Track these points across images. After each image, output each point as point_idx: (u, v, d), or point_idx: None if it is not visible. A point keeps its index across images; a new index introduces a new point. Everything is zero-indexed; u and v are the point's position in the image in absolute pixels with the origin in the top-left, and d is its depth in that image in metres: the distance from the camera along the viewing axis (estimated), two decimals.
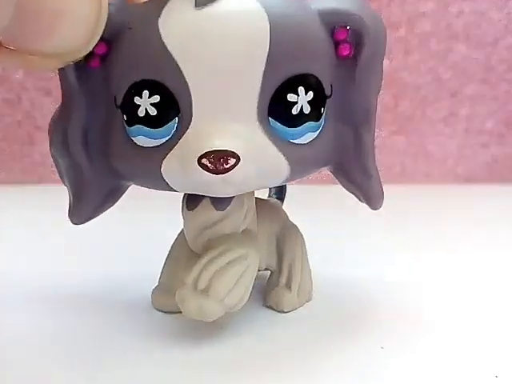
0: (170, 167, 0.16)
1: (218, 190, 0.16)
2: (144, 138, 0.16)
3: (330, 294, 0.24)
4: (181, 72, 0.15)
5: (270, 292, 0.22)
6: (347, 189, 0.20)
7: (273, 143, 0.16)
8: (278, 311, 0.22)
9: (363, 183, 0.19)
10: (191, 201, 0.19)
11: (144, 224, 0.36)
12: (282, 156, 0.16)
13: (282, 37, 0.15)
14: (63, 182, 0.19)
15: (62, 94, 0.18)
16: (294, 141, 0.16)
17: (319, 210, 0.40)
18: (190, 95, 0.15)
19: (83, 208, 0.19)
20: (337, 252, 0.31)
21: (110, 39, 0.16)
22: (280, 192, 0.26)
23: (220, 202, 0.19)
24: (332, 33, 0.17)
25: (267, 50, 0.15)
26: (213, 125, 0.15)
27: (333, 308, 0.22)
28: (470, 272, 0.27)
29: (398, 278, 0.26)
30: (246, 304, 0.19)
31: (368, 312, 0.22)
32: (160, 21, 0.15)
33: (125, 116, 0.17)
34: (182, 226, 0.20)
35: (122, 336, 0.19)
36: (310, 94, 0.16)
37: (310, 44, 0.16)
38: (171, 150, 0.16)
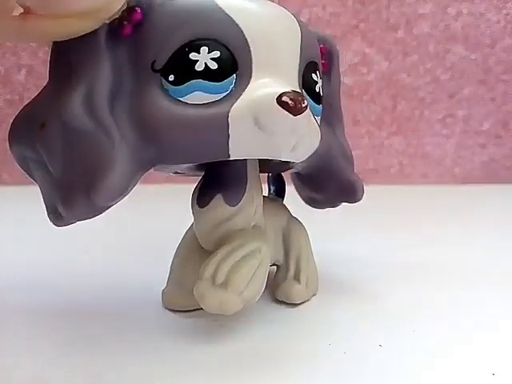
0: (239, 115, 0.16)
1: (286, 137, 0.16)
2: (201, 94, 0.16)
3: (329, 293, 0.24)
4: (243, 35, 0.17)
5: (279, 286, 0.23)
6: (332, 187, 0.22)
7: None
8: (289, 304, 0.22)
9: (348, 173, 0.22)
10: (202, 198, 0.20)
11: (149, 224, 0.36)
12: (316, 127, 0.18)
13: (305, 30, 0.19)
14: (86, 155, 0.16)
15: (77, 66, 0.16)
16: (317, 117, 0.19)
17: (316, 210, 0.40)
18: (251, 55, 0.17)
19: (112, 186, 0.16)
20: (335, 251, 0.31)
21: (147, 7, 0.17)
22: (280, 190, 0.27)
23: (232, 198, 0.19)
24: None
25: (299, 38, 0.18)
26: (276, 81, 0.17)
27: (332, 307, 0.23)
28: (468, 272, 0.28)
29: (396, 278, 0.26)
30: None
31: (367, 311, 0.22)
32: None
33: (172, 76, 0.16)
34: (192, 225, 0.21)
35: (133, 335, 0.20)
36: (320, 81, 0.20)
37: (317, 45, 0.20)
38: (237, 99, 0.16)
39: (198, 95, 0.16)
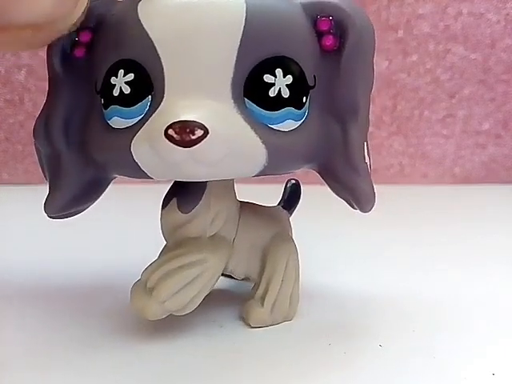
0: (138, 144, 0.15)
1: (186, 170, 0.15)
2: (118, 119, 0.16)
3: (328, 292, 0.24)
4: (155, 49, 0.15)
5: (245, 302, 0.21)
6: (336, 192, 0.19)
7: (248, 124, 0.15)
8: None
9: (351, 182, 0.18)
10: (165, 200, 0.19)
11: (149, 227, 0.36)
12: (258, 139, 0.16)
13: (257, 19, 0.15)
14: (43, 172, 0.19)
15: (48, 84, 0.18)
16: (272, 126, 0.16)
17: (318, 210, 0.40)
18: (163, 72, 0.15)
19: (58, 198, 0.19)
20: (334, 251, 0.31)
21: (94, 28, 0.17)
22: (288, 201, 0.25)
23: (185, 204, 0.19)
24: (315, 24, 0.17)
25: (241, 30, 0.15)
26: (183, 101, 0.15)
27: (331, 307, 0.23)
28: (467, 271, 0.28)
29: (396, 278, 0.26)
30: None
31: (367, 311, 0.22)
32: (140, 4, 0.16)
33: (102, 99, 0.17)
34: None
35: (132, 334, 0.20)
36: (289, 78, 0.16)
37: (289, 30, 0.16)
38: (142, 127, 0.16)
39: (116, 120, 0.16)
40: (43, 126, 0.18)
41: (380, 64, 0.55)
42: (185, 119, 0.14)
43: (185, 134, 0.14)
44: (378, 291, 0.25)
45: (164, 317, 0.18)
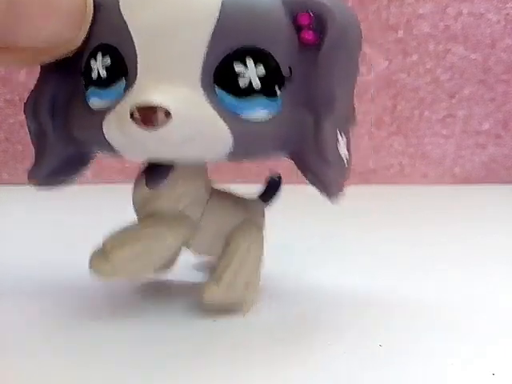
0: (108, 124, 0.17)
1: (153, 150, 0.17)
2: (95, 100, 0.17)
3: (328, 292, 0.24)
4: (130, 36, 0.16)
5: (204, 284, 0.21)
6: (307, 179, 0.20)
7: (216, 111, 0.16)
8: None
9: (321, 173, 0.18)
10: (137, 177, 0.21)
11: None
12: (224, 126, 0.16)
13: (232, 10, 0.16)
14: (32, 144, 0.21)
15: (40, 67, 0.19)
16: (241, 115, 0.16)
17: (318, 210, 0.40)
18: (137, 57, 0.16)
19: (42, 167, 0.20)
20: (334, 251, 0.31)
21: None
22: (267, 194, 0.26)
23: (152, 181, 0.20)
24: (295, 18, 0.17)
25: (215, 18, 0.16)
26: (153, 85, 0.16)
27: (331, 307, 0.23)
28: (467, 271, 0.28)
29: (396, 278, 0.26)
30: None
31: (367, 311, 0.22)
32: None
33: (83, 81, 0.18)
34: None
35: (130, 333, 0.20)
36: (261, 69, 0.16)
37: (265, 22, 0.17)
38: (113, 108, 0.17)
39: (94, 101, 0.18)
40: (32, 104, 0.20)
41: (380, 64, 0.55)
42: (148, 102, 0.15)
43: (148, 116, 0.15)
44: (378, 291, 0.25)
45: (115, 279, 0.20)
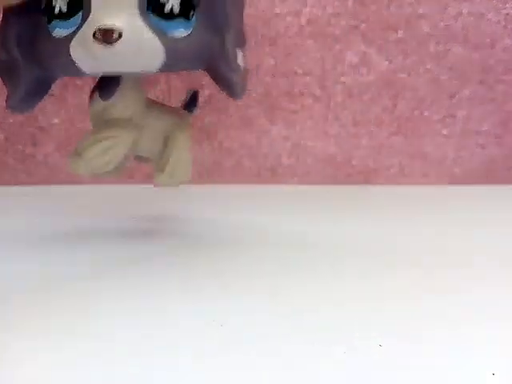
0: (75, 47, 0.22)
1: (110, 63, 0.22)
2: (59, 30, 0.23)
3: (328, 292, 0.24)
4: None
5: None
6: (220, 87, 0.26)
7: (151, 30, 0.22)
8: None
9: (229, 78, 0.26)
10: (91, 93, 0.27)
11: (148, 226, 0.36)
12: (157, 40, 0.23)
13: None
14: (1, 77, 0.25)
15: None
16: (168, 33, 0.23)
17: (318, 209, 0.40)
18: None
19: (16, 93, 0.25)
20: (334, 251, 0.31)
21: None
22: (187, 104, 0.33)
23: (105, 94, 0.27)
24: None
25: None
26: (105, 13, 0.22)
27: (331, 306, 0.23)
28: (467, 271, 0.28)
29: (396, 277, 0.26)
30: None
31: (367, 311, 0.22)
32: None
33: (46, 17, 0.23)
34: None
35: (131, 333, 0.20)
36: None
37: None
38: (76, 34, 0.22)
39: (58, 31, 0.23)
40: (1, 38, 0.24)
41: (380, 64, 0.55)
42: (107, 25, 0.21)
43: (107, 35, 0.21)
44: (378, 291, 0.25)
45: (90, 172, 0.27)
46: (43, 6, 0.23)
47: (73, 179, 0.53)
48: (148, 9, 0.22)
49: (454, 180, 0.58)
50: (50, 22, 0.23)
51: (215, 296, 0.23)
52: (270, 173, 0.57)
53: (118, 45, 0.21)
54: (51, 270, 0.27)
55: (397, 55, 0.55)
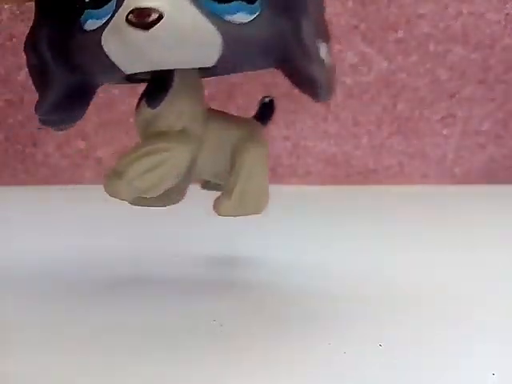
0: (107, 36, 0.18)
1: (150, 54, 0.17)
2: (91, 21, 0.19)
3: (327, 291, 0.24)
4: None
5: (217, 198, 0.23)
6: (299, 87, 0.21)
7: (201, 13, 0.17)
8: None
9: (306, 68, 0.19)
10: (138, 101, 0.22)
11: (146, 225, 0.36)
12: (211, 26, 0.17)
13: None
14: (34, 84, 0.21)
15: (34, 4, 0.21)
16: (226, 17, 0.18)
17: (318, 209, 0.40)
18: None
19: (46, 100, 0.21)
20: (334, 250, 0.31)
21: None
22: (262, 114, 0.27)
23: (152, 100, 0.21)
24: None
25: None
26: None
27: (332, 306, 0.23)
28: (467, 271, 0.28)
29: (396, 278, 0.26)
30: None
31: (367, 311, 0.22)
32: None
33: (78, 8, 0.19)
34: None
35: (132, 334, 0.20)
36: None
37: None
38: (109, 23, 0.18)
39: (90, 23, 0.19)
40: (31, 39, 0.21)
41: (380, 64, 0.55)
42: (142, 5, 0.16)
43: (142, 17, 0.16)
44: (378, 291, 0.25)
45: (133, 197, 0.21)
46: None
47: (73, 179, 0.53)
48: None
49: (454, 180, 0.58)
50: (81, 13, 0.19)
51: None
52: (269, 173, 0.57)
53: (158, 28, 0.16)
54: (51, 270, 0.27)
55: (397, 55, 0.55)
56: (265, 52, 0.19)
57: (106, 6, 0.18)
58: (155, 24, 0.16)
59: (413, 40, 0.55)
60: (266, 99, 0.27)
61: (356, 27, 0.55)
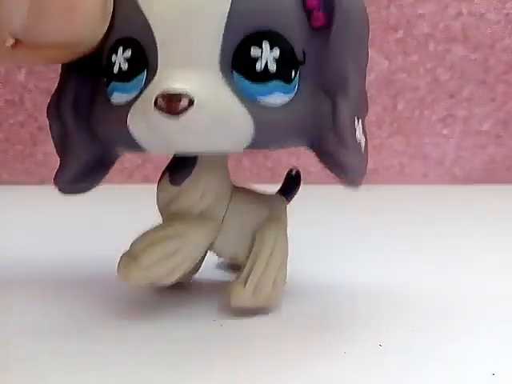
0: (134, 117, 0.17)
1: (177, 140, 0.16)
2: (118, 94, 0.17)
3: (327, 291, 0.24)
4: (149, 25, 0.16)
5: (231, 284, 0.21)
6: (328, 168, 0.19)
7: (235, 95, 0.16)
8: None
9: (340, 157, 0.18)
10: (161, 175, 0.21)
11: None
12: (245, 110, 0.16)
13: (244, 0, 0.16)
14: (56, 149, 0.20)
15: (61, 66, 0.20)
16: (260, 99, 0.17)
17: (319, 209, 0.40)
18: (156, 47, 0.16)
19: (67, 170, 0.20)
20: (334, 251, 0.31)
21: None
22: (287, 189, 0.26)
23: (176, 177, 0.20)
24: (304, 1, 0.17)
25: (229, 4, 0.16)
26: (174, 73, 0.16)
27: (330, 306, 0.23)
28: (467, 271, 0.28)
29: (396, 278, 0.26)
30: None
31: (367, 311, 0.22)
32: None
33: (105, 77, 0.18)
34: None
35: (132, 334, 0.20)
36: (276, 52, 0.16)
37: (278, 5, 0.17)
38: (137, 100, 0.17)
39: (116, 96, 0.17)
40: (55, 105, 0.19)
41: (380, 64, 0.55)
42: (172, 89, 0.15)
43: (172, 103, 0.15)
44: (378, 291, 0.25)
45: (146, 284, 0.19)
46: (103, 64, 0.18)
47: None
48: (233, 66, 0.16)
49: (454, 180, 0.58)
50: (108, 84, 0.18)
51: None
52: (270, 173, 0.57)
53: (188, 116, 0.15)
54: (52, 270, 0.27)
55: (397, 55, 0.55)
56: (297, 135, 0.18)
57: (134, 80, 0.17)
58: (185, 111, 0.15)
59: (413, 40, 0.55)
60: (293, 172, 0.26)
61: None
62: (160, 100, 0.15)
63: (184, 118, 0.15)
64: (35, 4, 0.15)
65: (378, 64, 0.55)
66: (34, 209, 0.41)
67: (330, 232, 0.35)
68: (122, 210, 0.40)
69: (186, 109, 0.15)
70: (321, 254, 0.30)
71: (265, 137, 0.17)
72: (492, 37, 0.55)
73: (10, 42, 0.16)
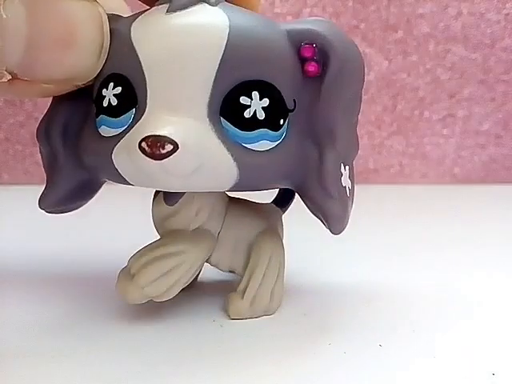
0: (119, 154, 0.17)
1: (161, 180, 0.16)
2: (105, 128, 0.17)
3: (327, 292, 0.24)
4: (141, 66, 0.16)
5: (228, 296, 0.22)
6: (310, 210, 0.20)
7: (221, 142, 0.16)
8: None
9: (323, 204, 0.19)
10: (155, 193, 0.21)
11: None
12: (229, 157, 0.16)
13: (238, 43, 0.16)
14: (44, 169, 0.21)
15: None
16: (246, 145, 0.17)
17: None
18: (147, 88, 0.16)
19: (51, 194, 0.21)
20: (334, 251, 0.31)
21: None
22: (282, 199, 0.26)
23: (169, 197, 0.20)
24: (299, 50, 0.18)
25: (221, 53, 0.16)
26: (161, 116, 0.16)
27: (330, 306, 0.23)
28: (467, 272, 0.28)
29: (395, 277, 0.26)
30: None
31: (367, 311, 0.22)
32: (133, 24, 0.17)
33: (94, 109, 0.18)
34: None
35: (132, 335, 0.20)
36: (266, 101, 0.17)
37: (270, 55, 0.17)
38: (123, 137, 0.17)
39: (104, 129, 0.18)
40: (44, 129, 0.20)
41: (380, 64, 0.55)
42: (157, 134, 0.15)
43: (155, 147, 0.15)
44: (378, 291, 0.25)
45: (144, 302, 0.19)
46: (94, 95, 0.18)
47: None
48: (221, 113, 0.16)
49: (454, 180, 0.58)
50: (97, 115, 0.18)
51: None
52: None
53: (171, 160, 0.15)
54: (52, 271, 0.27)
55: (397, 55, 0.55)
56: (282, 178, 0.18)
57: (122, 117, 0.17)
58: (169, 155, 0.15)
59: (413, 40, 0.55)
60: None
61: (356, 27, 0.55)
62: (144, 143, 0.15)
63: (167, 161, 0.15)
64: (32, 41, 0.16)
65: (377, 64, 0.55)
66: (34, 209, 0.41)
67: (328, 232, 0.35)
68: (122, 210, 0.40)
69: (168, 154, 0.15)
70: (321, 254, 0.30)
71: (249, 180, 0.17)
72: (492, 37, 0.55)
73: (7, 77, 0.16)
